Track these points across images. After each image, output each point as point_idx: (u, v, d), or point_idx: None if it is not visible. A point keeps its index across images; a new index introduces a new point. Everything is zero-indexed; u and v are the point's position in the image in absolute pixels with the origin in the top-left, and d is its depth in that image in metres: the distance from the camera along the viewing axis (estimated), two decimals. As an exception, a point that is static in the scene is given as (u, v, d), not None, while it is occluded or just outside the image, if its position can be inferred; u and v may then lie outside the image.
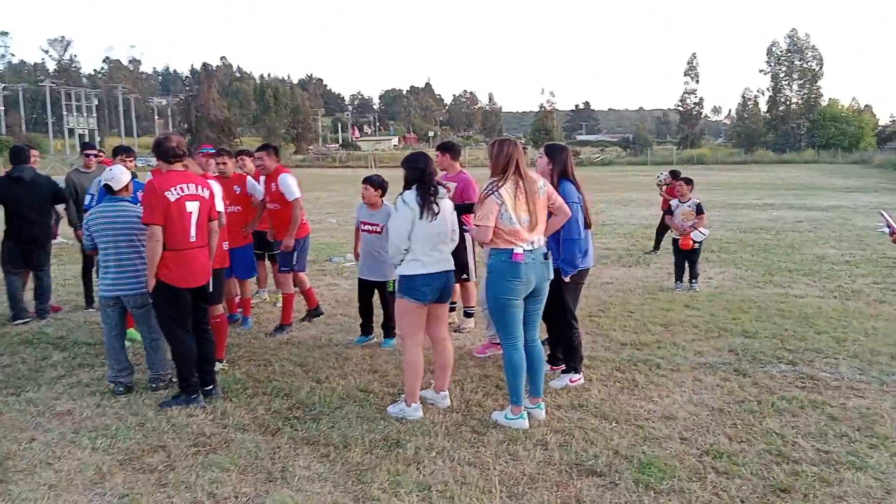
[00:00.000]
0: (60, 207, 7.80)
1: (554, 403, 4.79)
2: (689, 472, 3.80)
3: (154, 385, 5.20)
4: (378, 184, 6.21)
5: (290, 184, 6.63)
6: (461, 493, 3.57)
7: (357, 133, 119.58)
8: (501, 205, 4.25)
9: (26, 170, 7.25)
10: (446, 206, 4.68)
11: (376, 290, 6.38)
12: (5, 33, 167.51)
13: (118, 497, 3.57)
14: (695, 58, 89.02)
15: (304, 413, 4.70)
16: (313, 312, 7.24)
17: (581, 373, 5.26)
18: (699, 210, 8.75)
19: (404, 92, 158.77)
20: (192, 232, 4.86)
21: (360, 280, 6.43)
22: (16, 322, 7.07)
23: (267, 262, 8.17)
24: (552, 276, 4.57)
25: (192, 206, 4.85)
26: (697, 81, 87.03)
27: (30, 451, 4.14)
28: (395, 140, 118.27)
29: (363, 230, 6.29)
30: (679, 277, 8.78)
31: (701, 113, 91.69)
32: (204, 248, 5.00)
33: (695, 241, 8.62)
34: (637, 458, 3.95)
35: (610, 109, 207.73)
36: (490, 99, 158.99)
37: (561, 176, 5.00)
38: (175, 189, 4.77)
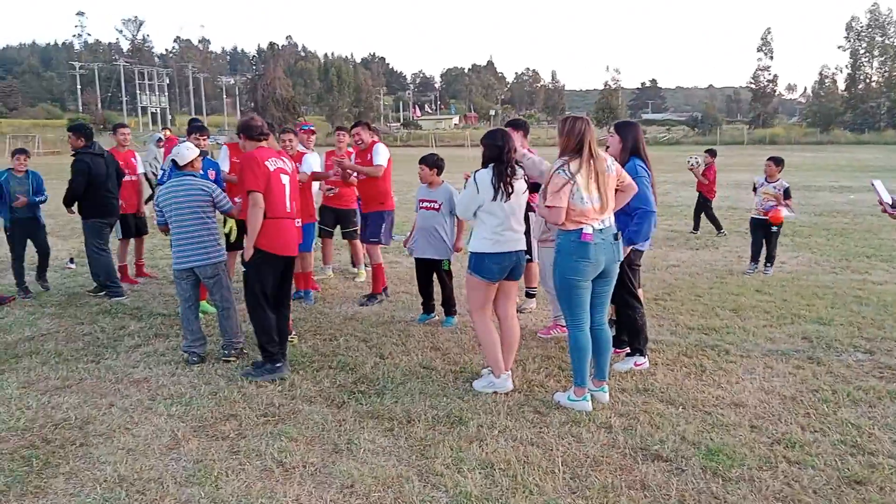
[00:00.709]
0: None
1: (618, 387, 4.73)
2: (760, 460, 3.70)
3: (226, 352, 5.37)
4: (433, 163, 6.23)
5: (381, 152, 6.99)
6: (524, 473, 3.57)
7: (418, 112, 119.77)
8: (573, 185, 4.16)
9: (98, 145, 7.41)
10: (520, 185, 4.66)
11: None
12: (81, 13, 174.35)
13: (193, 462, 3.72)
14: (769, 33, 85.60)
15: (368, 387, 4.78)
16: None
17: (646, 356, 5.17)
18: (787, 194, 8.39)
19: (466, 70, 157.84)
20: (288, 202, 5.05)
21: (416, 259, 6.46)
22: (115, 299, 7.25)
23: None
24: (622, 258, 4.49)
25: (285, 179, 5.06)
26: (771, 58, 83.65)
27: (109, 416, 4.34)
28: (455, 119, 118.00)
29: (421, 207, 6.30)
30: (755, 259, 8.52)
31: (775, 91, 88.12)
32: (294, 219, 5.19)
33: (784, 218, 8.33)
34: (705, 445, 3.87)
35: (678, 87, 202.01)
36: (553, 77, 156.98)
37: (632, 153, 4.90)
38: (271, 161, 4.98)
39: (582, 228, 4.19)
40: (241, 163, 5.12)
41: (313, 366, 5.21)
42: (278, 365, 4.98)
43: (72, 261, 9.18)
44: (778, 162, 8.59)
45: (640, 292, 5.22)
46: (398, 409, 4.39)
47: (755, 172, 9.20)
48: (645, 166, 4.89)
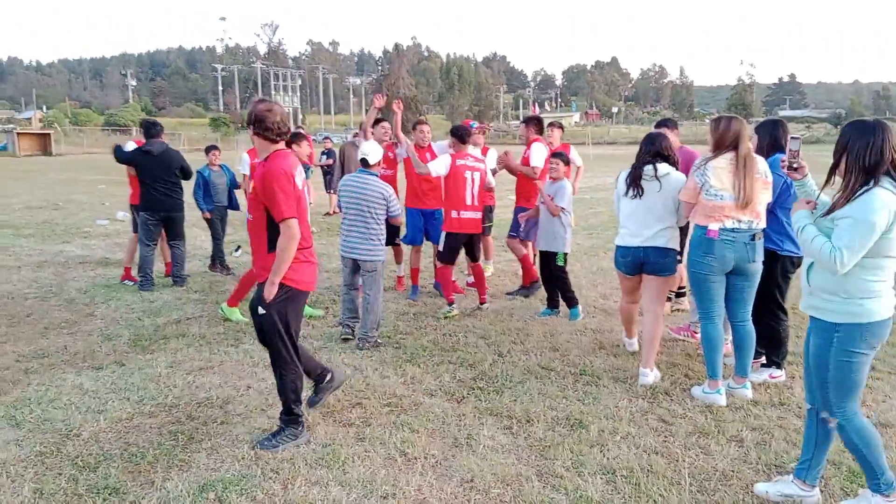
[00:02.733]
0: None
1: (752, 399, 4.50)
2: (910, 487, 3.40)
3: (360, 345, 5.61)
4: (561, 158, 6.46)
5: (536, 152, 7.14)
6: (647, 482, 3.47)
7: (537, 109, 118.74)
8: (707, 180, 4.24)
9: (156, 144, 7.72)
10: (669, 182, 4.69)
11: None
12: (223, 19, 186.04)
13: (322, 446, 3.89)
14: (928, 22, 78.31)
15: (487, 384, 4.82)
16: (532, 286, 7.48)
17: (784, 369, 4.88)
18: None
19: (588, 67, 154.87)
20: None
21: (540, 252, 6.59)
22: (143, 290, 7.58)
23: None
24: (759, 259, 4.38)
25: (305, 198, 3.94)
26: (929, 49, 76.52)
27: (247, 397, 4.61)
28: (576, 116, 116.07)
29: (541, 202, 6.48)
30: None
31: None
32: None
33: None
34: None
35: (819, 83, 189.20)
36: (681, 72, 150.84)
37: (775, 150, 4.68)
38: (298, 173, 3.84)
39: (709, 225, 4.27)
40: (263, 178, 3.69)
41: (433, 360, 5.31)
42: (302, 429, 3.95)
43: (238, 248, 9.92)
44: None
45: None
46: (517, 407, 4.40)
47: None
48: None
